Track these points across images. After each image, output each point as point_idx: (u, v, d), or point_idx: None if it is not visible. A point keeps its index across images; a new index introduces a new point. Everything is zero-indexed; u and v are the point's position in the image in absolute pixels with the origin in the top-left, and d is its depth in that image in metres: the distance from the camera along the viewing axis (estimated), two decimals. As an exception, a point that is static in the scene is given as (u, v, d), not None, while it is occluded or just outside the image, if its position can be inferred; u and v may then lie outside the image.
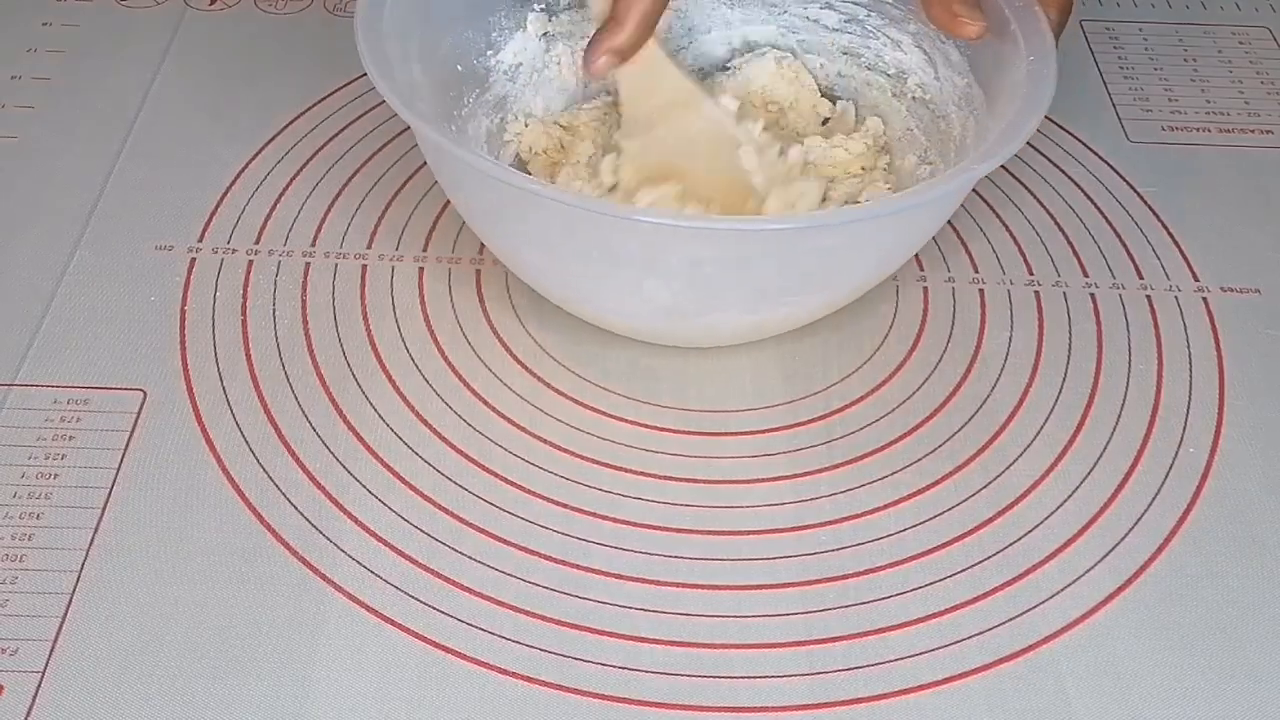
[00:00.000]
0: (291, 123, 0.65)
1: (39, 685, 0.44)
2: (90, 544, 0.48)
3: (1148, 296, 0.59)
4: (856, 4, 0.60)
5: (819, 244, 0.49)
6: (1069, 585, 0.48)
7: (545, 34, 0.62)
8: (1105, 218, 0.63)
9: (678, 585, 0.48)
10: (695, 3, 0.63)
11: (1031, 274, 0.60)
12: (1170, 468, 0.52)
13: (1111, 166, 0.66)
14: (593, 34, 0.55)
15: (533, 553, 0.48)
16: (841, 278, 0.52)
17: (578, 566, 0.48)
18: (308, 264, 0.59)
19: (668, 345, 0.55)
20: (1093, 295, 0.59)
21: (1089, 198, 0.64)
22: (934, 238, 0.60)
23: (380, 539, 0.49)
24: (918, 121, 0.59)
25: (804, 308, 0.53)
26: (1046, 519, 0.50)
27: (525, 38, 0.61)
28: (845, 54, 0.62)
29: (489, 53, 0.60)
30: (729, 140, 0.56)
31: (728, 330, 0.54)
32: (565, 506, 0.50)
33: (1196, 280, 0.60)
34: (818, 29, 0.63)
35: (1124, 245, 0.62)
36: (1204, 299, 0.59)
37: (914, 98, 0.59)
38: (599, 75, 0.55)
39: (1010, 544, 0.49)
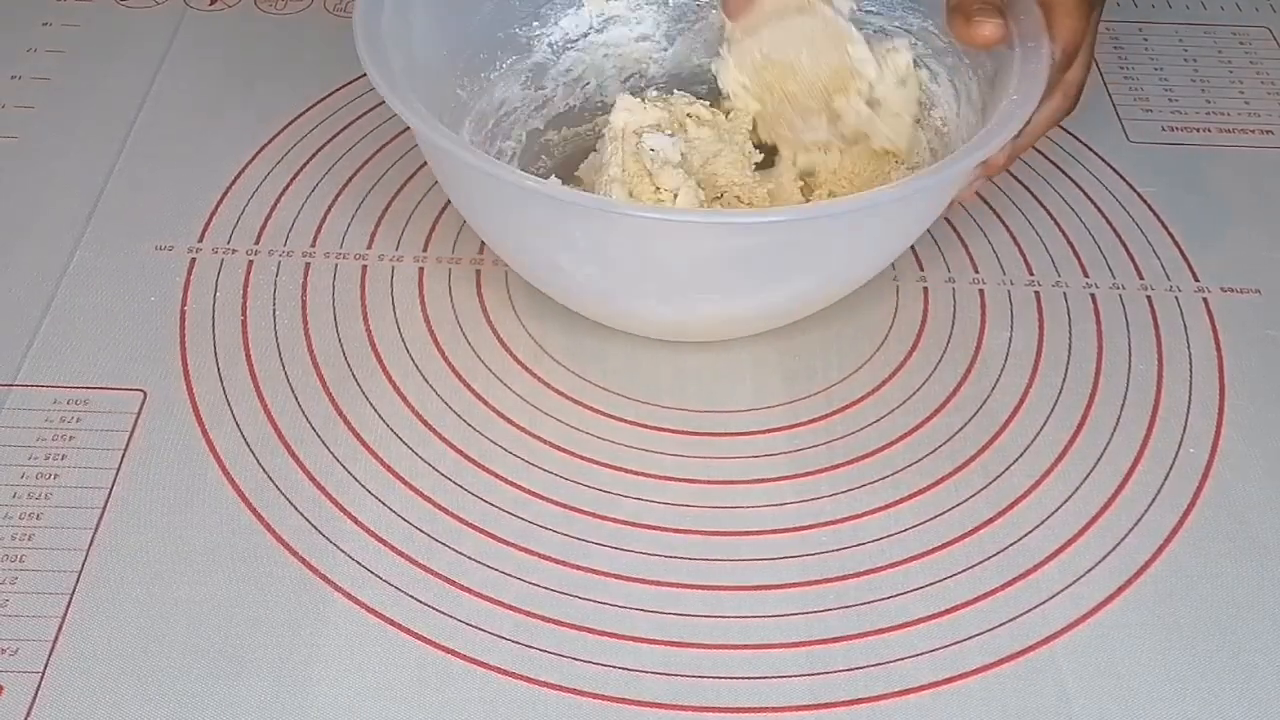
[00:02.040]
0: (291, 123, 0.65)
1: (39, 685, 0.44)
2: (90, 544, 0.48)
3: (1148, 296, 0.59)
4: (907, 30, 0.60)
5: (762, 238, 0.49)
6: (1069, 585, 0.48)
7: (602, 14, 0.62)
8: (1105, 218, 0.63)
9: (678, 585, 0.48)
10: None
11: (1031, 274, 0.60)
12: (1170, 468, 0.52)
13: (1111, 166, 0.66)
14: None
15: (532, 553, 0.48)
16: (808, 273, 0.52)
17: (578, 567, 0.48)
18: (308, 264, 0.59)
19: (667, 340, 0.56)
20: (1093, 295, 0.59)
21: (1089, 198, 0.64)
22: (934, 238, 0.60)
23: (380, 539, 0.49)
24: (932, 154, 0.59)
25: (781, 297, 0.53)
26: (1046, 519, 0.50)
27: (580, 15, 0.62)
28: None
29: (534, 24, 0.61)
30: (840, 35, 0.57)
31: (714, 320, 0.54)
32: (565, 507, 0.50)
33: (1196, 280, 0.60)
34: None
35: (1124, 245, 0.62)
36: (1204, 299, 0.59)
37: (935, 129, 0.59)
38: (739, 12, 0.57)
39: (1010, 544, 0.49)
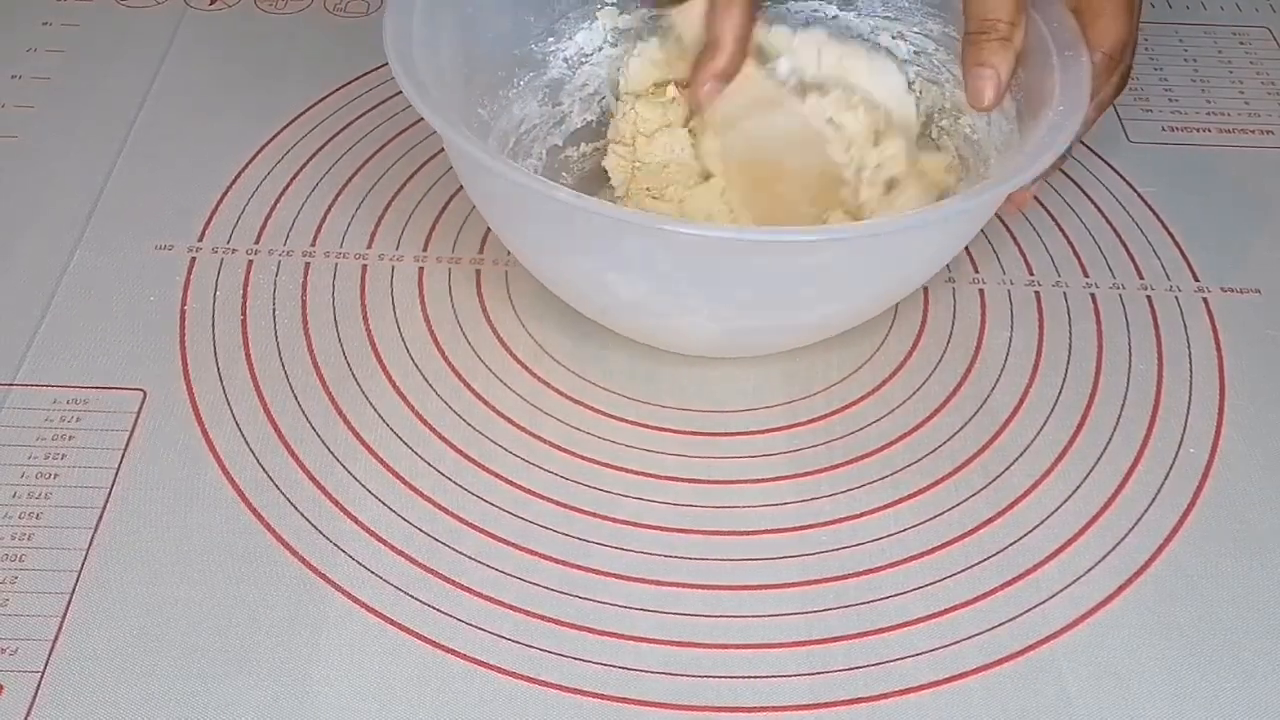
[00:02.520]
0: (291, 123, 0.65)
1: (39, 685, 0.44)
2: (90, 544, 0.48)
3: (1148, 296, 0.59)
4: (927, 36, 0.60)
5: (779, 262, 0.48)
6: (1069, 585, 0.48)
7: (615, 29, 0.62)
8: (1105, 218, 0.63)
9: (678, 585, 0.48)
10: (768, 28, 0.63)
11: (1031, 274, 0.60)
12: (1170, 468, 0.52)
13: (1111, 166, 0.66)
14: (693, 63, 0.55)
15: (533, 553, 0.48)
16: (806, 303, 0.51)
17: (578, 567, 0.48)
18: (308, 264, 0.59)
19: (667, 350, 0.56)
20: (1093, 295, 0.59)
21: (1089, 198, 0.64)
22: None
23: (380, 539, 0.49)
24: (962, 162, 0.58)
25: (777, 325, 0.53)
26: (1046, 519, 0.50)
27: (594, 30, 0.62)
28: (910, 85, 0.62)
29: (549, 39, 0.61)
30: (816, 135, 0.56)
31: (703, 339, 0.54)
32: (565, 506, 0.50)
33: (1196, 280, 0.60)
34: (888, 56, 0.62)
35: (1124, 245, 0.62)
36: (1204, 299, 0.59)
37: (965, 136, 0.58)
38: (708, 103, 0.55)
39: (1010, 544, 0.49)
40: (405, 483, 0.50)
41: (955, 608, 0.47)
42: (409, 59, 0.50)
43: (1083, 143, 0.66)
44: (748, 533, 0.50)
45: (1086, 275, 0.60)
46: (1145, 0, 0.76)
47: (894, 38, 0.61)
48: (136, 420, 0.52)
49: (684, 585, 0.48)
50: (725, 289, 0.49)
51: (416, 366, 0.55)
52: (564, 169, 0.62)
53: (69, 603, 0.46)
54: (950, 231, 0.51)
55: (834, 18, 0.62)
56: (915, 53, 0.60)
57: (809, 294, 0.50)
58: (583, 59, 0.62)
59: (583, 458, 0.52)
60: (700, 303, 0.50)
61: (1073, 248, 0.61)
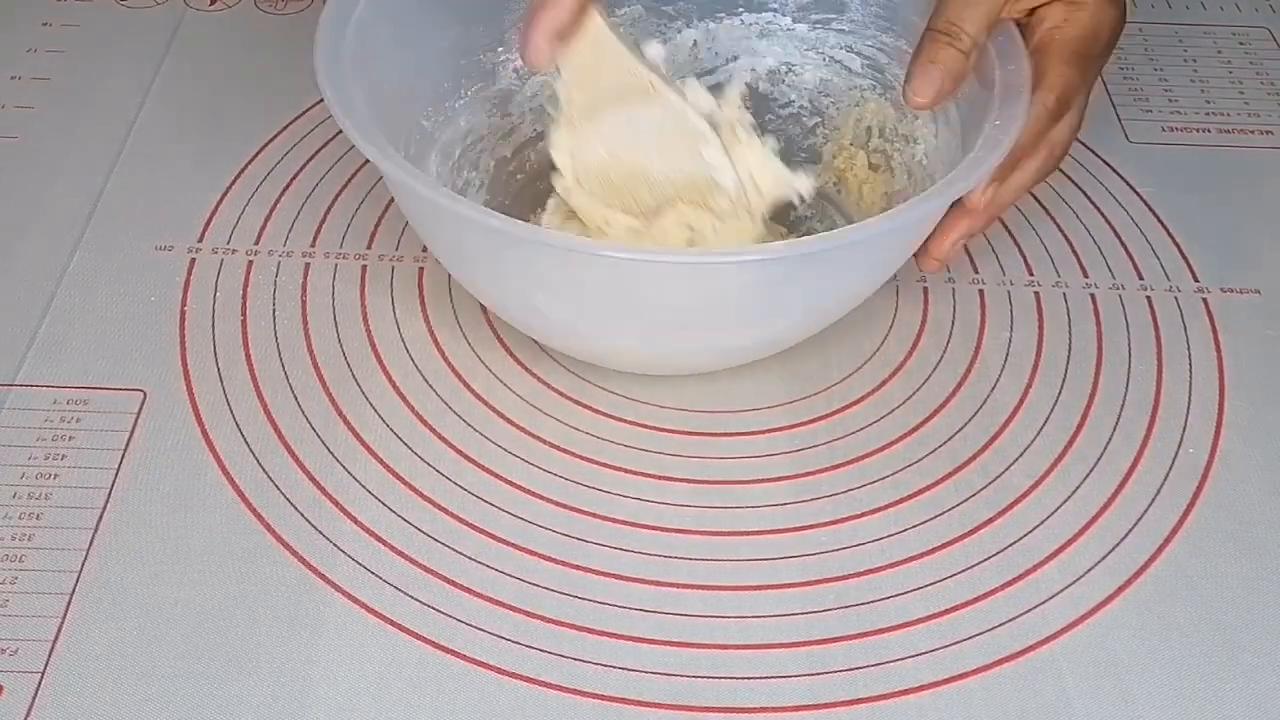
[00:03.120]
0: (291, 123, 0.65)
1: (39, 685, 0.44)
2: (90, 544, 0.48)
3: (1148, 297, 0.59)
4: (880, 49, 0.59)
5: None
6: (1069, 586, 0.48)
7: None
8: (1105, 218, 0.63)
9: (677, 586, 0.48)
10: (726, 31, 0.62)
11: (1031, 274, 0.60)
12: (1170, 468, 0.52)
13: (1111, 167, 0.66)
14: (526, 14, 0.49)
15: (532, 553, 0.48)
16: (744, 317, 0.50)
17: (577, 567, 0.48)
18: (308, 264, 0.59)
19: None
20: (1093, 295, 0.59)
21: (1088, 198, 0.64)
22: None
23: (380, 539, 0.49)
24: (908, 177, 0.58)
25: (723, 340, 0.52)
26: (1046, 519, 0.50)
27: None
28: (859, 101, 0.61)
29: (499, 49, 0.60)
30: (690, 134, 0.51)
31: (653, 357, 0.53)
32: (565, 507, 0.50)
33: (1196, 280, 0.60)
34: (840, 70, 0.62)
35: (1124, 245, 0.62)
36: (1204, 299, 0.59)
37: (913, 157, 0.58)
38: (542, 64, 0.49)
39: (1010, 544, 0.49)
40: (405, 483, 0.50)
41: (955, 608, 0.47)
42: (337, 74, 0.49)
43: (1083, 143, 0.66)
44: (748, 533, 0.50)
45: (1086, 276, 0.60)
46: (1145, 0, 0.76)
47: (846, 50, 0.61)
48: (136, 420, 0.52)
49: (684, 585, 0.48)
50: (649, 310, 0.49)
51: (416, 367, 0.55)
52: (511, 181, 0.61)
53: (69, 603, 0.46)
54: (885, 246, 0.50)
55: (789, 30, 0.62)
56: (868, 66, 0.60)
57: (737, 315, 0.50)
58: (533, 70, 0.59)
59: (582, 458, 0.52)
60: (628, 324, 0.49)
61: (1072, 248, 0.61)
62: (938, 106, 0.51)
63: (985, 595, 0.48)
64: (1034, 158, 0.52)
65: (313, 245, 0.59)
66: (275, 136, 0.65)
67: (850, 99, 0.61)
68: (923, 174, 0.57)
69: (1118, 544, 0.50)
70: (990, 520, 0.50)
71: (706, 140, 0.51)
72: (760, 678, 0.45)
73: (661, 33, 0.62)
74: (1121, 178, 0.65)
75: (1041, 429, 0.53)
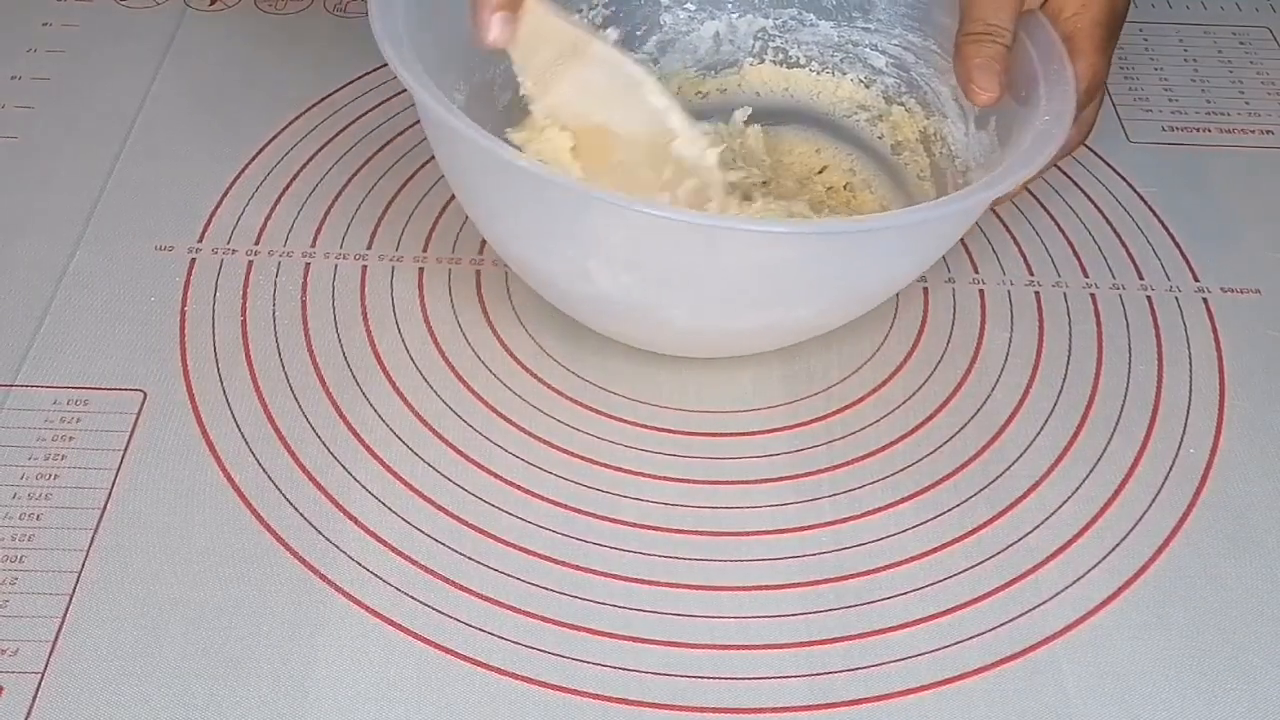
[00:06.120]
0: (291, 123, 0.65)
1: (39, 685, 0.44)
2: (90, 544, 0.48)
3: (1148, 297, 0.59)
4: (907, 49, 0.60)
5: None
6: (1069, 586, 0.48)
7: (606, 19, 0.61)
8: (1105, 218, 0.63)
9: (677, 586, 0.48)
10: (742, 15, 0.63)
11: (1031, 274, 0.60)
12: (1170, 468, 0.52)
13: (1111, 167, 0.66)
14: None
15: (532, 553, 0.48)
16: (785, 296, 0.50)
17: (577, 567, 0.48)
18: (308, 264, 0.59)
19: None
20: (1093, 295, 0.59)
21: (1089, 198, 0.64)
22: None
23: (380, 539, 0.49)
24: (937, 176, 0.58)
25: (762, 322, 0.52)
26: (1046, 520, 0.50)
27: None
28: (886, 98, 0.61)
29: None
30: (629, 82, 0.51)
31: (675, 336, 0.53)
32: (565, 507, 0.50)
33: (1196, 280, 0.60)
34: (865, 69, 0.62)
35: (1124, 245, 0.62)
36: (1204, 299, 0.59)
37: (941, 152, 0.58)
38: (498, 44, 0.48)
39: (1010, 545, 0.49)
40: (405, 483, 0.50)
41: (955, 608, 0.47)
42: (395, 33, 0.49)
43: (1083, 143, 0.66)
44: (748, 533, 0.50)
45: (1086, 275, 0.60)
46: (1145, 1, 0.76)
47: (870, 49, 0.61)
48: (136, 420, 0.52)
49: (684, 586, 0.48)
50: (701, 281, 0.48)
51: (416, 367, 0.55)
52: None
53: (69, 603, 0.46)
54: (938, 232, 0.51)
55: (812, 26, 0.62)
56: (892, 64, 0.60)
57: (786, 291, 0.50)
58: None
59: (583, 458, 0.52)
60: (680, 296, 0.49)
61: (1073, 248, 0.61)
62: (999, 102, 0.53)
63: (985, 595, 0.48)
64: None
65: (313, 245, 0.59)
66: (275, 136, 0.65)
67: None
68: (951, 165, 0.58)
69: (1118, 544, 0.50)
70: (990, 520, 0.50)
71: (643, 85, 0.51)
72: (760, 678, 0.45)
73: (678, 34, 0.63)
74: (1122, 178, 0.65)
75: (1042, 429, 0.53)
